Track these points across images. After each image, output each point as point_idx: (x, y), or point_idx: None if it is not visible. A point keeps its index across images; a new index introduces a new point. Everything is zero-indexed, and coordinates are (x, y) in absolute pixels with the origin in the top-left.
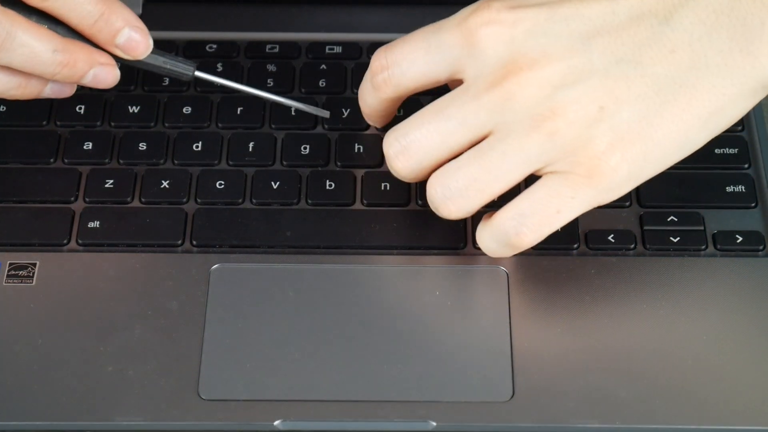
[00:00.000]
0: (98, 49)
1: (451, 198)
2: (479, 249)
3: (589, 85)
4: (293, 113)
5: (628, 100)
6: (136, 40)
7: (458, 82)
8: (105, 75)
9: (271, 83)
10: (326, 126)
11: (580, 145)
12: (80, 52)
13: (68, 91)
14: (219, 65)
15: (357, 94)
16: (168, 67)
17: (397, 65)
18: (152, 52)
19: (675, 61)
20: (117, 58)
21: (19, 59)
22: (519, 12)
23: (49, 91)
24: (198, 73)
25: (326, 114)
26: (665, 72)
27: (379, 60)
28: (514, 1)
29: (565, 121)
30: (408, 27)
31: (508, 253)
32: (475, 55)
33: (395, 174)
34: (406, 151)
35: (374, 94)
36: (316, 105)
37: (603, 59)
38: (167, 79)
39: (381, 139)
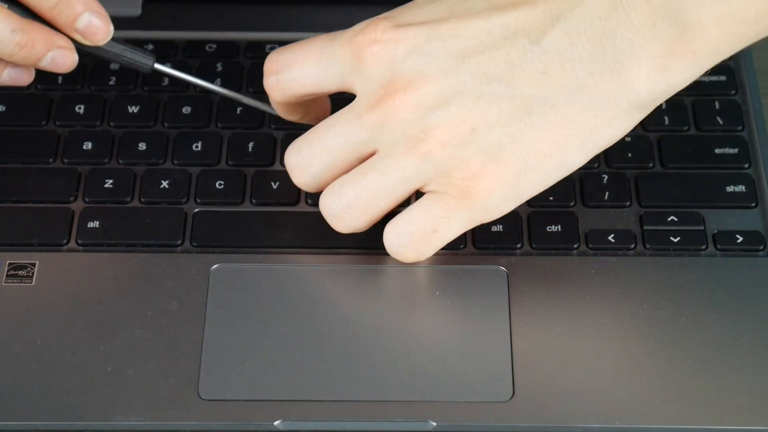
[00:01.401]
0: (57, 32)
1: (336, 215)
2: (481, 249)
3: (460, 107)
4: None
5: (499, 121)
6: (96, 26)
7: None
8: (63, 59)
9: None
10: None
11: (453, 167)
12: (39, 34)
13: (26, 79)
14: (219, 65)
15: None
16: (127, 56)
17: (288, 71)
18: (112, 40)
19: (546, 83)
20: (77, 45)
21: None
22: (401, 31)
23: (6, 77)
24: (157, 66)
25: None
26: (536, 93)
27: (270, 63)
28: (400, 18)
29: (437, 143)
30: None
31: (407, 262)
32: (361, 72)
33: (297, 185)
34: (299, 166)
35: (269, 95)
36: None
37: (475, 80)
38: (167, 79)
39: None
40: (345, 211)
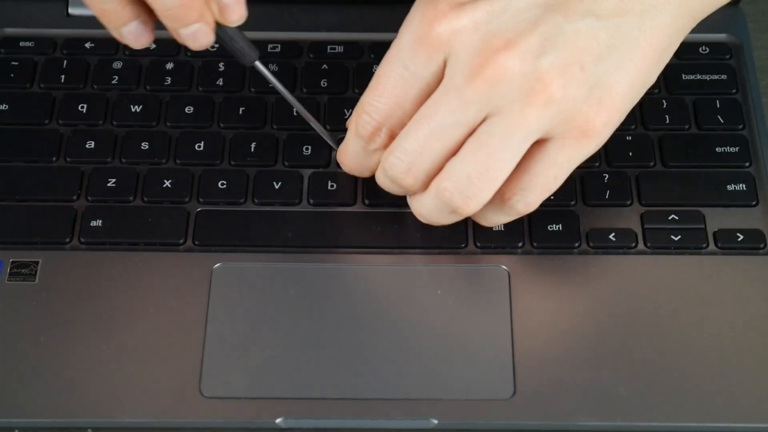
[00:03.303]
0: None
1: (470, 195)
2: (482, 248)
3: (566, 48)
4: (295, 113)
5: (601, 54)
6: (232, 5)
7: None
8: (203, 35)
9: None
10: (328, 127)
11: (576, 109)
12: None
13: (145, 40)
14: (221, 65)
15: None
16: (239, 44)
17: (390, 117)
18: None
19: (628, 9)
20: None
21: None
22: (469, 4)
23: (129, 30)
24: (257, 64)
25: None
26: (623, 20)
27: (368, 123)
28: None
29: (557, 87)
30: None
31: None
32: (442, 54)
33: (404, 191)
34: (412, 166)
35: (375, 156)
36: (317, 105)
37: (568, 19)
38: (169, 78)
39: None
40: (477, 187)
